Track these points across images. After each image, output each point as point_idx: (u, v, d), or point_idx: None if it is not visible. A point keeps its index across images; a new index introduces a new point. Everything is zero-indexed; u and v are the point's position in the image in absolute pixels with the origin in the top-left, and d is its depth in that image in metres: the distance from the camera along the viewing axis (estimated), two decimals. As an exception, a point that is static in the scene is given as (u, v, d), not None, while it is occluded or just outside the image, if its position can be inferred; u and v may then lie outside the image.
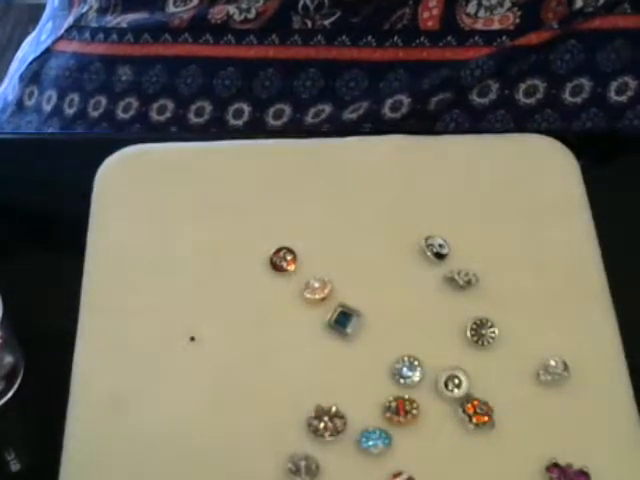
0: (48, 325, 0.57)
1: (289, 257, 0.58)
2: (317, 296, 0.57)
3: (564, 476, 0.50)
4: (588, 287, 0.58)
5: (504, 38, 0.68)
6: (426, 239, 0.59)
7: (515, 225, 0.61)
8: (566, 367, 0.53)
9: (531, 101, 0.69)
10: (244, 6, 0.70)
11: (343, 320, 0.55)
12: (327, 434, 0.51)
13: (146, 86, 0.73)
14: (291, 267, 0.58)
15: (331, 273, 0.57)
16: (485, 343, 0.55)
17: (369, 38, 0.69)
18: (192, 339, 0.56)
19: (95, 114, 0.74)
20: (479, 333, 0.55)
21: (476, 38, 0.68)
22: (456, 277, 0.57)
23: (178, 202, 0.62)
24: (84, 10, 0.77)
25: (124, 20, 0.74)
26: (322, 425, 0.52)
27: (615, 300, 0.57)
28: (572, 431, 0.52)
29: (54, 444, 0.52)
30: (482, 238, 0.60)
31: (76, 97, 0.75)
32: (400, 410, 0.52)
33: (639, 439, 0.52)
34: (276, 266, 0.58)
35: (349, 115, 0.69)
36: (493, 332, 0.55)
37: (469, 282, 0.57)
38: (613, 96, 0.69)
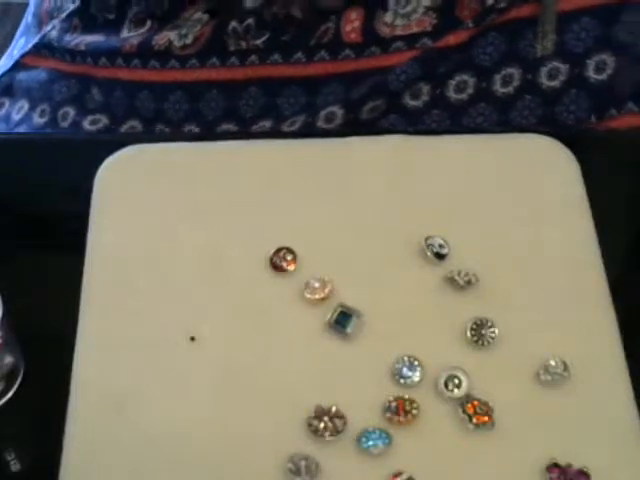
0: (48, 325, 0.57)
1: (289, 257, 0.58)
2: (317, 296, 0.57)
3: (564, 476, 0.50)
4: (588, 287, 0.58)
5: (425, 39, 0.69)
6: (426, 239, 0.59)
7: (515, 225, 0.61)
8: (566, 367, 0.53)
9: (463, 97, 0.70)
10: (183, 32, 0.73)
11: (343, 320, 0.55)
12: (327, 434, 0.51)
13: (114, 107, 0.75)
14: (291, 267, 0.58)
15: (331, 273, 0.57)
16: (485, 343, 0.55)
17: (299, 54, 0.71)
18: (192, 339, 0.56)
19: (64, 124, 0.76)
20: (479, 333, 0.55)
21: (398, 44, 0.70)
22: (456, 277, 0.57)
23: (178, 202, 0.62)
24: (48, 29, 0.79)
25: (82, 42, 0.76)
26: (322, 425, 0.52)
27: (615, 300, 0.57)
28: (572, 431, 0.52)
29: (54, 444, 0.52)
30: (482, 238, 0.60)
31: (47, 107, 0.77)
32: (400, 410, 0.52)
33: (639, 439, 0.52)
34: (276, 266, 0.58)
35: (287, 129, 0.71)
36: (493, 332, 0.55)
37: (469, 282, 0.57)
38: (545, 82, 0.70)
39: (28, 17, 0.84)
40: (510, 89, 0.70)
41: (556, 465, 0.50)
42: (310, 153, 0.64)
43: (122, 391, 0.54)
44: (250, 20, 0.71)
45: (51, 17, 0.80)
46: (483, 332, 0.55)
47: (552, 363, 0.54)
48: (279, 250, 0.59)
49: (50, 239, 0.62)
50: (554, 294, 0.57)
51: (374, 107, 0.70)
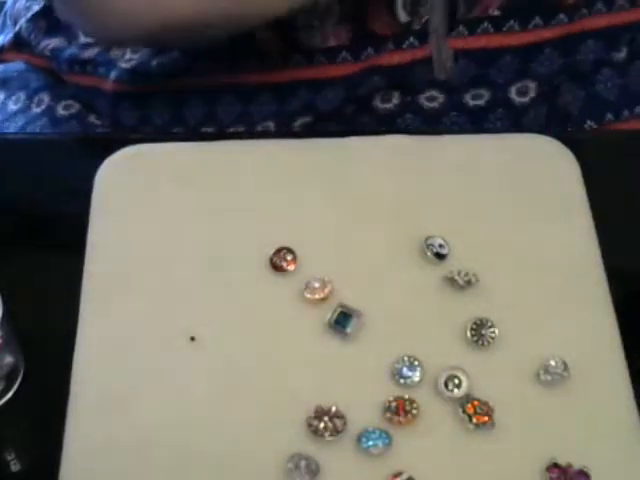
0: (48, 325, 0.57)
1: (289, 257, 0.58)
2: (317, 296, 0.57)
3: (564, 476, 0.50)
4: (588, 287, 0.58)
5: (344, 54, 0.69)
6: (426, 239, 0.59)
7: (515, 225, 0.61)
8: (566, 367, 0.53)
9: (434, 105, 0.70)
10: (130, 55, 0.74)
11: (343, 320, 0.55)
12: (327, 434, 0.51)
13: (83, 98, 0.76)
14: (291, 267, 0.58)
15: (331, 273, 0.57)
16: (485, 343, 0.55)
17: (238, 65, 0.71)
18: (192, 339, 0.56)
19: (37, 110, 0.77)
20: (479, 333, 0.55)
21: (321, 58, 0.69)
22: (456, 277, 0.57)
23: (178, 202, 0.62)
24: (17, 29, 0.80)
25: (47, 46, 0.77)
26: (322, 425, 0.51)
27: (615, 300, 0.57)
28: (572, 431, 0.52)
29: (54, 444, 0.52)
30: (482, 238, 0.60)
31: (22, 95, 0.78)
32: (400, 410, 0.52)
33: (639, 439, 0.52)
34: (276, 266, 0.58)
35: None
36: (493, 332, 0.55)
37: (469, 282, 0.57)
38: (515, 98, 0.70)
39: (6, 14, 0.85)
40: (481, 102, 0.70)
41: (556, 465, 0.50)
42: (310, 153, 0.64)
43: (122, 391, 0.54)
44: (174, 55, 0.72)
45: (20, 16, 0.81)
46: (483, 332, 0.55)
47: (552, 363, 0.54)
48: (279, 250, 0.59)
49: (50, 239, 0.62)
50: (554, 294, 0.57)
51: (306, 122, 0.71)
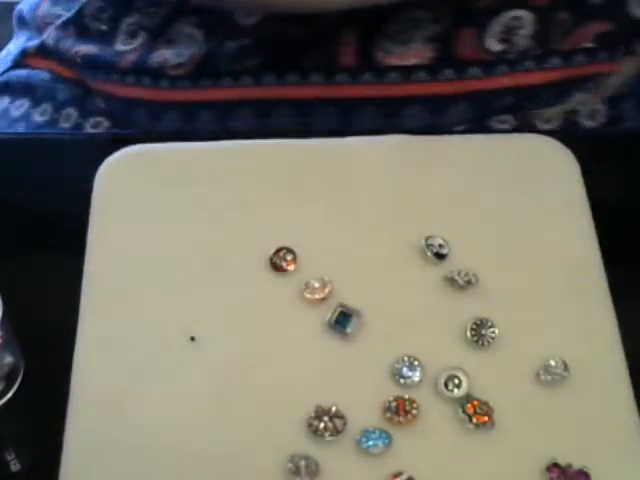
0: (48, 325, 0.57)
1: (289, 257, 0.58)
2: (317, 296, 0.57)
3: (564, 476, 0.50)
4: (588, 287, 0.58)
5: (420, 73, 0.68)
6: (426, 239, 0.59)
7: (515, 225, 0.61)
8: (566, 367, 0.53)
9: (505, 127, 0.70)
10: (178, 51, 0.72)
11: (343, 320, 0.55)
12: (327, 434, 0.51)
13: (115, 114, 0.75)
14: (291, 267, 0.58)
15: (331, 273, 0.57)
16: (485, 343, 0.55)
17: (293, 76, 0.69)
18: (192, 339, 0.56)
19: (66, 125, 0.76)
20: (479, 333, 0.55)
21: (392, 75, 0.68)
22: (456, 277, 0.57)
23: (178, 202, 0.62)
24: (45, 36, 0.79)
25: (78, 53, 0.75)
26: (322, 425, 0.52)
27: (615, 300, 0.57)
28: (572, 431, 0.52)
29: (54, 444, 0.52)
30: (482, 238, 0.60)
31: (49, 107, 0.77)
32: (400, 410, 0.52)
33: (639, 439, 0.52)
34: (276, 266, 0.58)
35: None
36: (493, 332, 0.55)
37: (469, 282, 0.57)
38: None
39: (24, 16, 0.83)
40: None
41: (556, 465, 0.50)
42: (310, 153, 0.64)
43: (122, 391, 0.54)
44: (245, 40, 0.70)
45: (46, 23, 0.79)
46: (483, 332, 0.55)
47: (552, 363, 0.54)
48: (279, 250, 0.59)
49: (50, 239, 0.62)
50: (554, 294, 0.57)
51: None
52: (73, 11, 0.77)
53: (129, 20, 0.74)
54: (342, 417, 0.52)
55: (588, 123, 0.70)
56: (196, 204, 0.62)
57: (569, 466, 0.50)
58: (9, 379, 0.55)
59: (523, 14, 0.67)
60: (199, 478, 0.51)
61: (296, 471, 0.50)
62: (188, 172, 0.63)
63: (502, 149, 0.65)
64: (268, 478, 0.50)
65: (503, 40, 0.67)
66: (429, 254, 0.58)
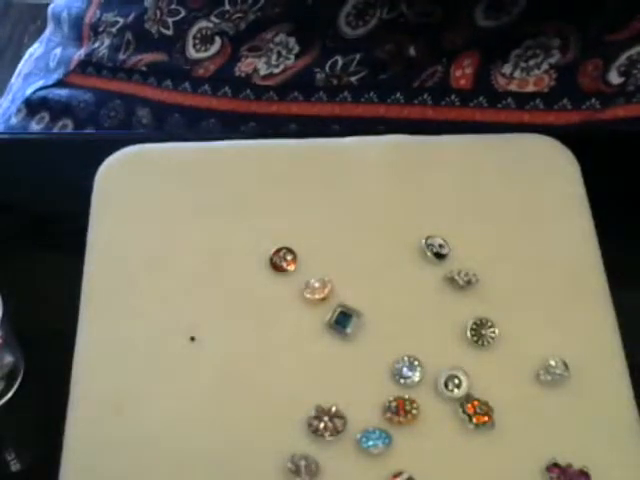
0: (48, 325, 0.57)
1: (289, 257, 0.58)
2: (317, 296, 0.57)
3: (564, 476, 0.50)
4: (588, 287, 0.58)
5: (537, 101, 0.66)
6: (426, 239, 0.59)
7: (515, 225, 0.61)
8: (566, 367, 0.54)
9: None
10: (273, 62, 0.68)
11: (343, 320, 0.55)
12: (327, 434, 0.51)
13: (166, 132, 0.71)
14: (291, 267, 0.58)
15: (331, 273, 0.57)
16: (485, 343, 0.55)
17: (397, 95, 0.66)
18: (192, 339, 0.56)
19: None
20: (479, 333, 0.55)
21: (509, 100, 0.66)
22: (456, 277, 0.57)
23: (178, 202, 0.62)
24: (96, 46, 0.75)
25: (142, 61, 0.72)
26: (322, 425, 0.52)
27: (615, 300, 0.57)
28: (572, 431, 0.52)
29: (54, 444, 0.52)
30: (482, 238, 0.60)
31: (93, 130, 0.74)
32: (400, 410, 0.52)
33: (639, 439, 0.52)
34: (276, 266, 0.58)
35: None
36: (493, 332, 0.55)
37: (469, 282, 0.57)
38: None
39: (64, 27, 0.79)
40: None
41: (556, 465, 0.50)
42: (310, 153, 0.64)
43: (122, 391, 0.54)
44: (356, 56, 0.66)
45: (96, 32, 0.75)
46: (483, 332, 0.55)
47: (552, 363, 0.54)
48: (279, 250, 0.59)
49: (50, 239, 0.62)
50: (554, 294, 0.57)
51: None
52: (132, 16, 0.73)
53: (202, 24, 0.70)
54: (342, 417, 0.52)
55: None
56: (196, 204, 0.62)
57: (569, 466, 0.50)
58: (9, 379, 0.55)
59: None
60: (199, 478, 0.51)
61: (296, 471, 0.50)
62: (188, 172, 0.63)
63: (502, 149, 0.65)
64: (268, 478, 0.50)
65: (624, 74, 0.66)
66: (429, 254, 0.58)
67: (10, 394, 0.55)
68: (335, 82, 0.67)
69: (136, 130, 0.72)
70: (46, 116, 0.77)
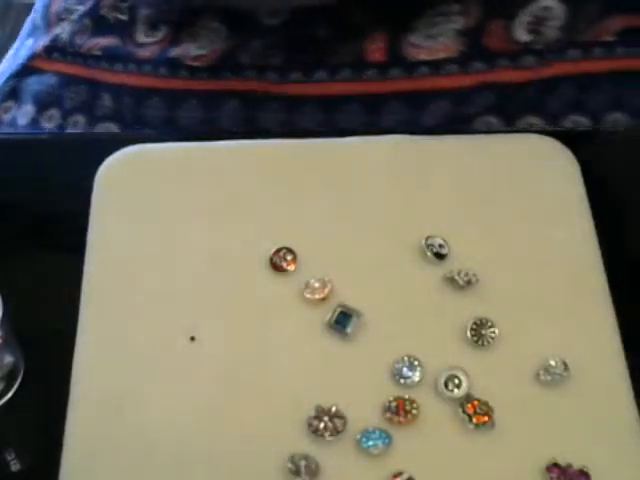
0: (48, 325, 0.57)
1: (289, 257, 0.58)
2: (317, 296, 0.57)
3: (564, 476, 0.50)
4: (588, 287, 0.58)
5: (450, 66, 0.68)
6: (426, 239, 0.59)
7: (515, 225, 0.61)
8: (566, 367, 0.53)
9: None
10: (201, 45, 0.71)
11: (343, 320, 0.55)
12: (327, 434, 0.51)
13: (124, 114, 0.74)
14: (291, 267, 0.58)
15: (331, 273, 0.57)
16: (485, 343, 0.55)
17: (321, 73, 0.69)
18: (192, 339, 0.56)
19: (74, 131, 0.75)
20: (479, 333, 0.55)
21: (423, 69, 0.68)
22: (456, 277, 0.57)
23: (178, 202, 0.62)
24: (58, 31, 0.78)
25: (97, 46, 0.75)
26: (322, 425, 0.52)
27: (615, 300, 0.57)
28: (572, 431, 0.52)
29: (54, 444, 0.52)
30: (482, 238, 0.60)
31: (56, 113, 0.76)
32: (400, 410, 0.52)
33: (639, 439, 0.52)
34: (276, 266, 0.58)
35: None
36: (493, 332, 0.55)
37: (469, 282, 0.57)
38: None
39: (36, 18, 0.82)
40: None
41: (556, 465, 0.50)
42: (310, 153, 0.64)
43: (122, 391, 0.54)
44: (271, 38, 0.70)
45: (60, 19, 0.79)
46: (483, 332, 0.55)
47: (552, 363, 0.54)
48: (279, 250, 0.59)
49: (50, 239, 0.62)
50: (554, 294, 0.57)
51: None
52: (89, 3, 0.76)
53: (147, 11, 0.74)
54: (342, 417, 0.52)
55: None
56: (196, 204, 0.62)
57: (569, 466, 0.50)
58: (9, 379, 0.55)
59: (553, 4, 0.68)
60: (199, 478, 0.51)
61: (296, 471, 0.50)
62: (188, 172, 0.63)
63: (502, 149, 0.65)
64: (268, 478, 0.50)
65: (532, 31, 0.68)
66: (429, 254, 0.58)
67: (10, 394, 0.55)
68: (262, 63, 0.70)
69: (98, 112, 0.75)
70: (12, 106, 0.79)
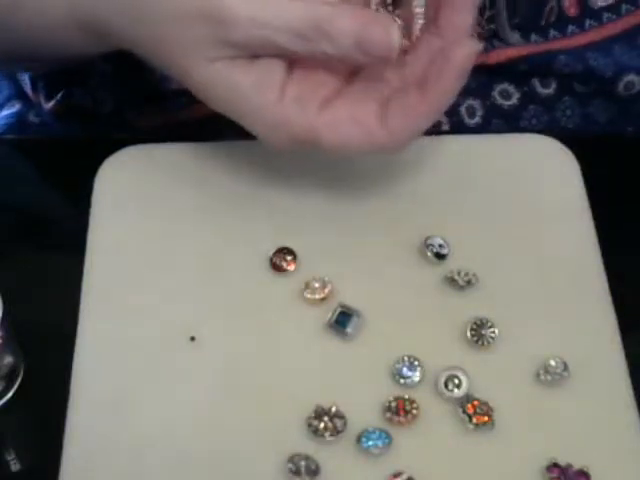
0: (48, 325, 0.57)
1: (289, 257, 0.58)
2: (317, 296, 0.57)
3: (564, 476, 0.50)
4: (588, 287, 0.58)
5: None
6: (426, 239, 0.59)
7: (515, 225, 0.61)
8: (566, 367, 0.53)
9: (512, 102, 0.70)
10: None
11: (343, 320, 0.55)
12: (327, 434, 0.51)
13: None
14: (291, 267, 0.58)
15: (331, 273, 0.57)
16: (485, 343, 0.55)
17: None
18: (192, 339, 0.56)
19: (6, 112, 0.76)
20: (479, 333, 0.55)
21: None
22: (456, 277, 0.57)
23: (178, 202, 0.62)
24: None
25: None
26: (322, 425, 0.51)
27: (615, 300, 0.57)
28: (572, 431, 0.52)
29: (54, 444, 0.52)
30: (482, 238, 0.60)
31: None
32: (400, 410, 0.52)
33: (639, 439, 0.52)
34: (276, 266, 0.58)
35: None
36: (493, 332, 0.55)
37: (469, 282, 0.57)
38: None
39: None
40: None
41: (556, 465, 0.50)
42: (310, 153, 0.64)
43: (122, 391, 0.54)
44: None
45: None
46: (483, 332, 0.55)
47: (552, 363, 0.54)
48: (279, 250, 0.59)
49: (50, 239, 0.62)
50: (554, 294, 0.57)
51: None
52: None
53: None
54: (342, 417, 0.52)
55: None
56: (196, 204, 0.62)
57: (569, 466, 0.50)
58: (9, 379, 0.55)
59: None
60: (199, 478, 0.51)
61: (296, 471, 0.50)
62: (188, 172, 0.63)
63: (502, 149, 0.65)
64: (268, 478, 0.50)
65: None
66: (429, 254, 0.58)
67: (10, 394, 0.55)
68: None
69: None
70: None
